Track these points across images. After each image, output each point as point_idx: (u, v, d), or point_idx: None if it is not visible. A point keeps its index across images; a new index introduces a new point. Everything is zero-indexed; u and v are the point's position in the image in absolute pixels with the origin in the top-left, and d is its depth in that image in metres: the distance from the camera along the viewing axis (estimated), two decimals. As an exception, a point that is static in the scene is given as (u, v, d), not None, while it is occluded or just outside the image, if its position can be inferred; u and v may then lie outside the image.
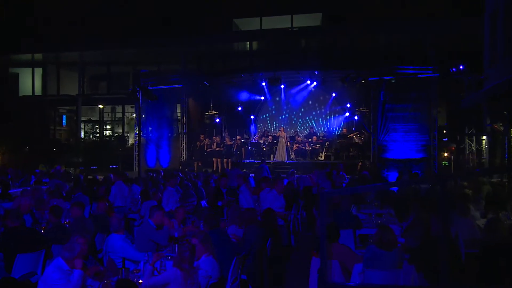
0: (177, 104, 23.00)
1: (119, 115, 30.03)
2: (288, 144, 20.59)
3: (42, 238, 6.17)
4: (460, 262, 5.12)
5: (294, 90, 22.37)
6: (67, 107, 29.59)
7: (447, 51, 19.53)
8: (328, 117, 22.81)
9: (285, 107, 23.42)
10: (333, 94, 21.79)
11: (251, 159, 20.17)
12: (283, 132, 20.19)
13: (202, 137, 20.98)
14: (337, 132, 21.83)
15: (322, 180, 12.18)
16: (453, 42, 20.05)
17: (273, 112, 23.80)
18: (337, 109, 22.41)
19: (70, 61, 27.29)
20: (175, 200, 9.22)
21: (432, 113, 17.95)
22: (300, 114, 23.31)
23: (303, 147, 20.44)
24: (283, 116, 23.57)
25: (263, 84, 20.77)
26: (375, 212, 8.03)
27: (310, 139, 20.73)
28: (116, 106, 29.80)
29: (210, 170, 18.61)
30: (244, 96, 22.41)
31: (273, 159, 20.08)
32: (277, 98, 23.13)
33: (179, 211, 7.29)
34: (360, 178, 13.39)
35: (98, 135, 28.20)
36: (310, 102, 22.84)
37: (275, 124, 23.66)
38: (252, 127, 23.51)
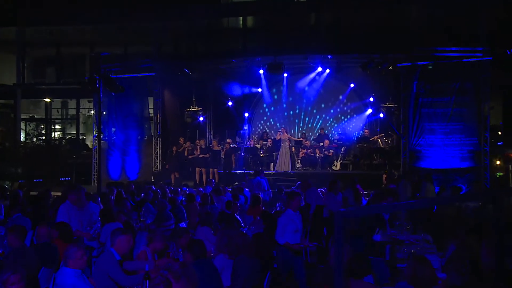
0: (149, 98, 22.96)
1: (72, 111, 29.95)
2: (293, 149, 20.63)
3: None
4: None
5: (300, 80, 22.36)
6: (2, 101, 29.49)
7: (502, 26, 19.49)
8: (344, 115, 22.89)
9: (288, 102, 23.45)
10: (352, 85, 21.88)
11: (245, 169, 20.16)
12: (285, 134, 20.25)
13: (181, 140, 21.00)
14: (357, 135, 21.88)
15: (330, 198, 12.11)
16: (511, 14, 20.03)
17: (273, 108, 23.84)
18: (357, 105, 22.49)
19: (5, 39, 27.17)
20: (293, 230, 8.70)
21: (483, 109, 17.99)
22: (308, 111, 23.39)
23: (312, 154, 20.47)
24: (286, 114, 23.64)
25: (261, 72, 20.76)
26: (407, 238, 8.05)
27: (321, 144, 20.79)
28: (69, 100, 29.70)
29: (191, 184, 18.55)
30: (236, 88, 22.47)
31: (273, 169, 20.07)
32: (279, 91, 23.15)
33: (156, 237, 7.24)
34: (387, 193, 13.43)
35: (44, 137, 28.10)
36: (322, 96, 22.89)
37: (273, 122, 23.72)
38: (246, 127, 23.57)
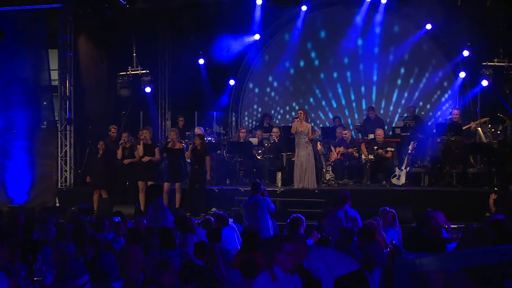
0: (51, 52, 22.72)
1: None
2: (319, 147, 20.34)
3: None
4: None
5: (331, 19, 22.38)
6: None
7: None
8: (413, 83, 22.96)
9: (309, 61, 23.66)
10: (428, 27, 21.82)
11: (230, 183, 20.20)
12: (304, 123, 19.25)
13: (112, 130, 20.86)
14: (438, 120, 21.86)
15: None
16: None
17: (281, 71, 23.94)
18: (438, 65, 22.39)
19: None
20: None
21: None
22: (345, 76, 23.50)
23: (357, 155, 20.30)
24: (305, 80, 23.83)
25: (258, 3, 20.94)
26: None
27: (370, 136, 20.66)
28: None
29: (131, 211, 18.25)
30: (213, 34, 22.57)
31: (282, 184, 19.89)
32: (290, 39, 23.15)
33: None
34: (491, 229, 13.20)
35: None
36: (371, 48, 23.03)
37: (283, 99, 24.07)
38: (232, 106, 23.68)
